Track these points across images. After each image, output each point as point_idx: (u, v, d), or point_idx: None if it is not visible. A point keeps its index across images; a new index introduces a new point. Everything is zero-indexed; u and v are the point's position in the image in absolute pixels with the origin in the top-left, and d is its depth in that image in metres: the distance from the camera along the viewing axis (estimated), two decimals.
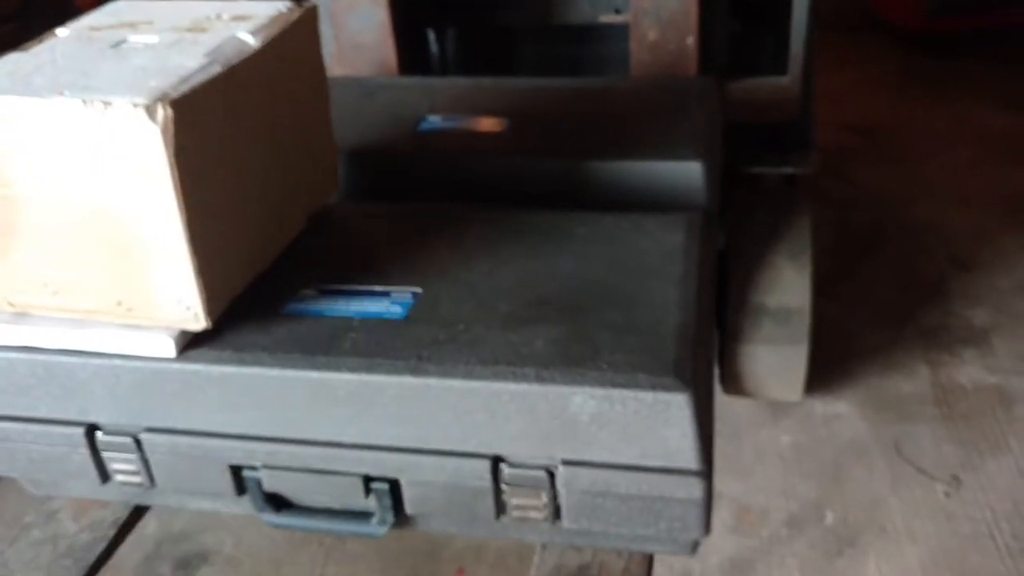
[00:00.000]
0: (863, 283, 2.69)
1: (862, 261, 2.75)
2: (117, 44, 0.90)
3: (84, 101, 0.77)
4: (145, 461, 0.91)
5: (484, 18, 1.78)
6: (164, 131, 0.76)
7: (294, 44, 0.95)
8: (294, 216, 1.01)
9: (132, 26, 0.95)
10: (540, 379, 0.78)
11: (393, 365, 0.81)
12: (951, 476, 1.98)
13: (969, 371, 2.27)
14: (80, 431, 0.91)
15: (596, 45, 1.87)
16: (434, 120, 1.31)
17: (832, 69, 3.66)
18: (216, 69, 0.84)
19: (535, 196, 1.16)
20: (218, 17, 0.96)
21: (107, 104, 0.76)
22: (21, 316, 0.88)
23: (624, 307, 0.85)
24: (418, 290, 0.92)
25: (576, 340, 0.82)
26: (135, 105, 0.76)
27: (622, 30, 1.80)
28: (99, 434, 0.91)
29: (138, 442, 0.90)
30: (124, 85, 0.79)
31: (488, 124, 1.29)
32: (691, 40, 1.43)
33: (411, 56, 1.68)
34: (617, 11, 1.76)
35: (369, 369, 0.81)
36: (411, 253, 0.99)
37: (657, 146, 1.14)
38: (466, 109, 1.34)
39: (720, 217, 1.34)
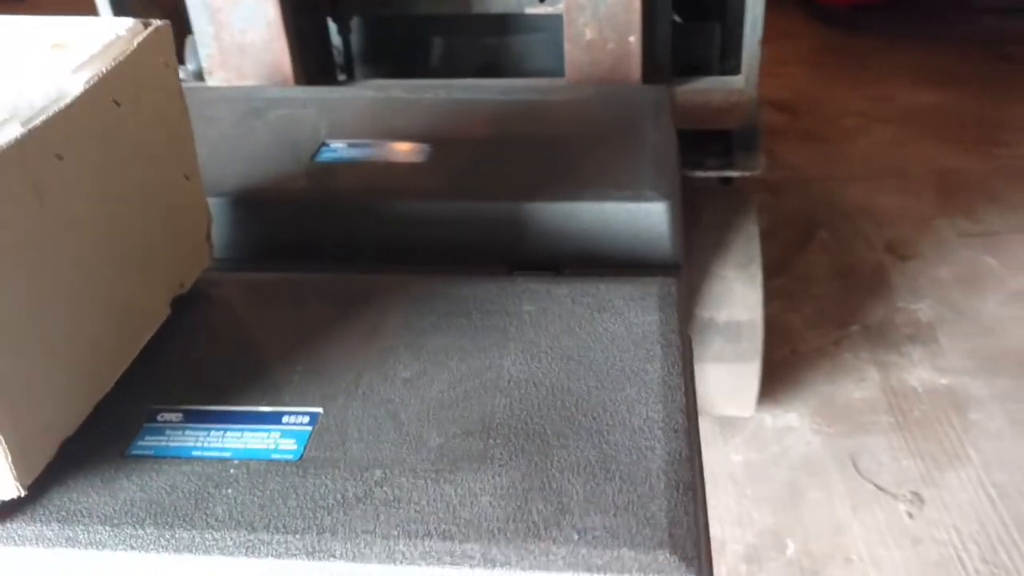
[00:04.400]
0: (801, 276, 2.57)
1: (798, 251, 2.63)
2: None
3: None
4: None
5: (393, 6, 1.53)
6: None
7: (139, 81, 0.70)
8: (152, 307, 0.76)
9: None
10: (489, 561, 0.56)
11: (283, 542, 0.58)
12: (912, 494, 1.88)
13: (919, 373, 2.17)
14: None
15: (522, 36, 1.64)
16: (335, 147, 1.07)
17: None
18: (16, 131, 0.59)
19: (461, 246, 0.94)
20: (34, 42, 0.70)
21: None
22: None
23: (595, 434, 0.64)
24: (318, 411, 0.69)
25: (535, 492, 0.60)
26: None
27: (550, 20, 1.58)
28: None
29: None
30: None
31: (402, 152, 1.05)
32: (633, 39, 1.22)
33: (309, 55, 1.42)
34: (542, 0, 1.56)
35: (249, 550, 0.58)
36: (307, 349, 0.75)
37: (613, 182, 0.93)
38: (375, 130, 1.10)
39: None
